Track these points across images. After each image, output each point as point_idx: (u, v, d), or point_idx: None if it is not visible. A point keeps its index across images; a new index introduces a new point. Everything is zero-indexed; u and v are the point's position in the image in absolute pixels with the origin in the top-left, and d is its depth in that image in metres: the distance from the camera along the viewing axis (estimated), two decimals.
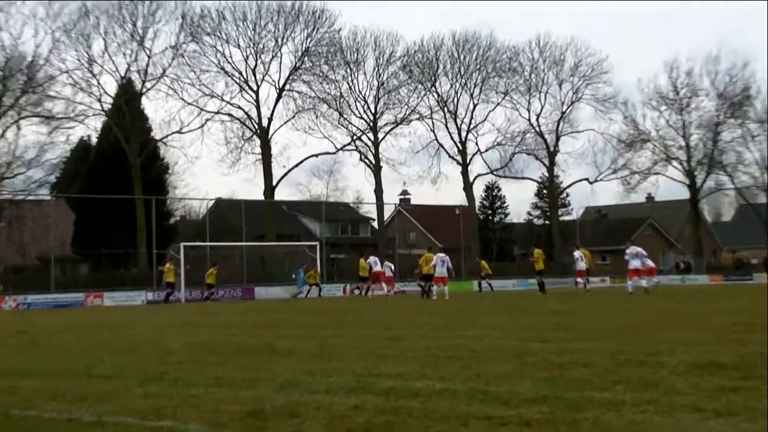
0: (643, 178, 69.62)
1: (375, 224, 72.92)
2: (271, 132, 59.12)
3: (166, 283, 39.77)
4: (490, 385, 6.94)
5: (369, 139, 63.54)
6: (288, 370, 8.38)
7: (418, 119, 65.47)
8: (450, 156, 66.97)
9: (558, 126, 68.95)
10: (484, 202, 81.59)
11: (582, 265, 34.07)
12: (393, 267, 41.74)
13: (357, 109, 63.19)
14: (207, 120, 57.87)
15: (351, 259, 60.65)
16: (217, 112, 58.35)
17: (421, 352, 9.91)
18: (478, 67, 65.84)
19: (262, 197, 59.38)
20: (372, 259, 38.62)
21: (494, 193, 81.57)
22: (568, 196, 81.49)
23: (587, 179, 70.50)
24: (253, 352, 10.62)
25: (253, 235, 56.74)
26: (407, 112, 64.33)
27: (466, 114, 66.85)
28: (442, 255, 31.43)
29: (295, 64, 59.68)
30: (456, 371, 7.91)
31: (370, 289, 38.34)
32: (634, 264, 30.27)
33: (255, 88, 58.55)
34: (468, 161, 66.86)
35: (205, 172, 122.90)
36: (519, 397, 6.27)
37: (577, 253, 35.20)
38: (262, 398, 6.62)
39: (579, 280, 34.06)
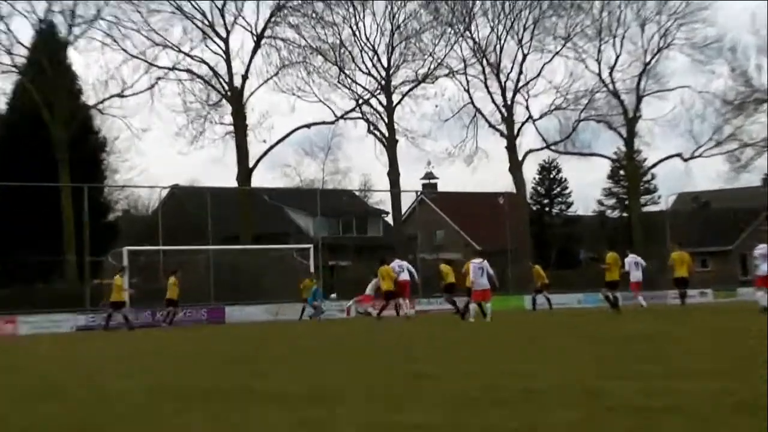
0: (758, 152, 69.48)
1: (389, 219, 73.02)
2: (246, 95, 59.34)
3: (110, 303, 39.53)
4: None
5: (380, 103, 63.69)
6: (273, 421, 8.36)
7: (446, 75, 65.63)
8: (491, 125, 67.09)
9: (639, 83, 68.94)
10: (539, 188, 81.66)
11: (638, 276, 35.34)
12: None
13: (364, 62, 63.38)
14: (158, 79, 58.16)
15: (357, 267, 60.73)
16: (173, 68, 58.60)
17: (455, 393, 9.88)
18: (528, 3, 65.80)
19: (234, 184, 59.57)
20: (397, 263, 38.28)
21: (552, 176, 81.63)
22: (653, 178, 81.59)
23: (680, 155, 70.49)
24: (225, 395, 10.61)
25: (222, 236, 56.87)
26: (432, 66, 64.42)
27: (512, 68, 66.99)
28: (478, 261, 31.47)
29: (279, 1, 59.78)
30: (503, 420, 7.87)
31: (386, 308, 38.10)
32: (765, 269, 28.58)
33: (224, 35, 58.76)
34: (516, 132, 66.93)
35: (157, 149, 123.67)
36: None
37: (630, 259, 36.15)
38: None
39: (639, 297, 35.32)
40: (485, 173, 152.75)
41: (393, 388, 10.63)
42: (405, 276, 37.64)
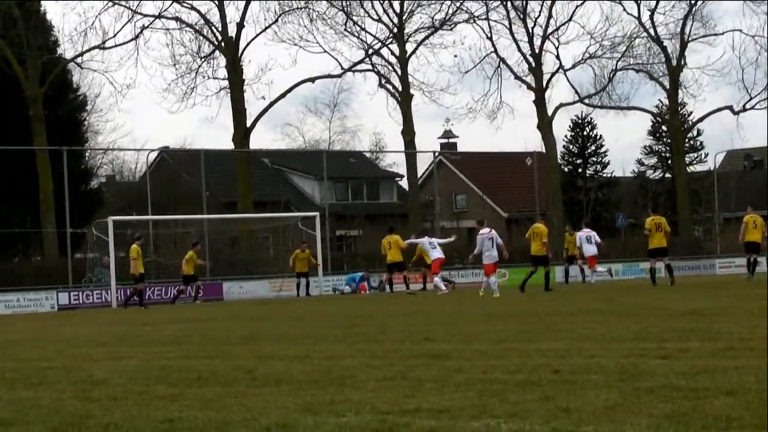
0: None
1: (404, 183, 72.99)
2: (242, 45, 59.21)
3: (134, 277, 39.22)
4: (585, 424, 6.95)
5: (392, 53, 63.45)
6: (277, 406, 8.44)
7: (466, 21, 65.20)
8: (517, 77, 66.75)
9: (684, 27, 68.47)
10: (571, 147, 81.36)
11: (591, 250, 36.90)
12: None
13: (374, 7, 63.06)
14: (143, 28, 57.93)
15: (368, 238, 60.75)
16: (159, 16, 58.42)
17: (479, 375, 9.95)
18: None
19: (231, 146, 59.56)
20: (427, 240, 39.35)
21: (585, 133, 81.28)
22: (700, 134, 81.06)
23: (730, 108, 70.09)
24: (223, 379, 10.70)
25: (219, 204, 56.90)
26: (450, 11, 64.10)
27: (540, 11, 66.50)
28: (486, 231, 32.43)
29: None
30: (532, 404, 7.94)
31: (392, 280, 39.29)
32: None
33: None
34: (545, 84, 66.61)
35: (144, 109, 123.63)
36: None
37: (582, 233, 37.89)
38: None
39: (590, 271, 36.66)
40: (511, 131, 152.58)
41: (410, 369, 10.71)
42: (438, 254, 38.40)
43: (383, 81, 63.33)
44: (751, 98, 68.44)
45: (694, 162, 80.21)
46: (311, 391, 9.36)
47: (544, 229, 34.18)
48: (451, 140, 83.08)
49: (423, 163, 71.24)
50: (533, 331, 15.49)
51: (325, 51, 62.57)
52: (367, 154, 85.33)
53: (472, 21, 65.21)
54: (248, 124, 58.66)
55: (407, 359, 11.79)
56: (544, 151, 65.79)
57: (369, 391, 9.14)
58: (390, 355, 12.44)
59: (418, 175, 66.89)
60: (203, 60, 59.41)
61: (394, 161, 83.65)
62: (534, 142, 68.94)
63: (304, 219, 49.67)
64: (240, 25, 58.77)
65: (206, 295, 44.42)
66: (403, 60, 62.89)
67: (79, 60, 57.36)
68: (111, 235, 42.42)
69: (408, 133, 62.47)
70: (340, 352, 13.30)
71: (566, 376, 9.57)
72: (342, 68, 63.20)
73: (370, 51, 63.09)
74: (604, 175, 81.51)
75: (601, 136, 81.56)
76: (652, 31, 67.99)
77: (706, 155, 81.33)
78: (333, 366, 11.37)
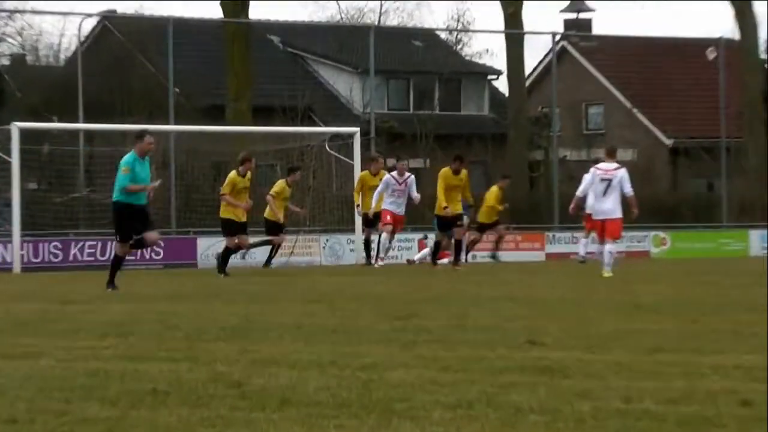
0: None
1: (502, 84, 72.95)
2: None
3: (269, 224, 39.69)
4: None
5: None
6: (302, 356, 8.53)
7: None
8: None
9: None
10: None
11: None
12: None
13: None
14: None
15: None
16: None
17: (614, 404, 10.03)
18: None
19: (218, 14, 59.82)
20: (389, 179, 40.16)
21: None
22: None
23: None
24: (193, 396, 10.89)
25: (195, 109, 57.05)
26: None
27: None
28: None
29: None
30: None
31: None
32: None
33: None
34: None
35: None
36: None
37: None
38: None
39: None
40: (679, 6, 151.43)
41: (503, 391, 10.81)
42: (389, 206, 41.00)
43: None
44: None
45: None
46: (338, 420, 9.41)
47: None
48: (583, 15, 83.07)
49: (534, 53, 71.37)
50: (706, 333, 15.51)
51: None
52: (443, 35, 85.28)
53: None
54: None
55: (497, 374, 11.89)
56: (737, 38, 65.57)
57: (434, 424, 9.16)
58: (470, 367, 12.54)
59: (526, 73, 67.00)
60: None
61: (487, 48, 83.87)
62: (721, 26, 68.70)
63: (334, 137, 49.69)
64: None
65: (173, 258, 44.70)
66: None
67: None
68: (15, 150, 42.49)
69: (511, 3, 62.47)
70: (388, 357, 13.40)
71: (761, 410, 9.56)
72: None
73: None
74: None
75: None
76: None
77: None
78: (375, 381, 11.46)
